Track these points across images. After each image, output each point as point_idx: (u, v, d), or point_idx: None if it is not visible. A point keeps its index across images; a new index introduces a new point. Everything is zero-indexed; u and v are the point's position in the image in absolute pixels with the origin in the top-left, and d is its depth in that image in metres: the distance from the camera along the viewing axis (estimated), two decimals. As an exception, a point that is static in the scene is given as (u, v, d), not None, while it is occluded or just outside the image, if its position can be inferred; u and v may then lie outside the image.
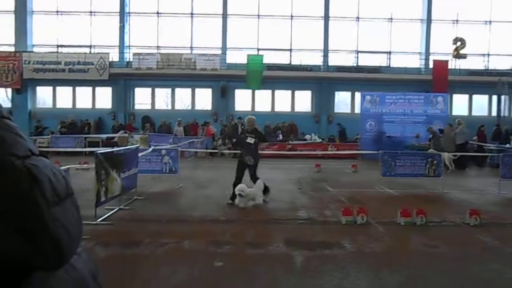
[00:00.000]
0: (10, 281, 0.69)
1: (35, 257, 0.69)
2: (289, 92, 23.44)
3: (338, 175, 13.42)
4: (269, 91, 23.15)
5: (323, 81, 22.67)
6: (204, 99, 23.59)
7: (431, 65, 22.56)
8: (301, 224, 6.86)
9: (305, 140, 20.84)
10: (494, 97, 22.78)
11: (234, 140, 9.46)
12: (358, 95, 21.35)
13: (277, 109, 23.35)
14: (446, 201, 9.27)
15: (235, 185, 8.10)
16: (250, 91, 22.81)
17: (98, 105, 23.22)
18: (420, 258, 5.21)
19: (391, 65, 23.41)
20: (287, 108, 23.42)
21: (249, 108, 23.08)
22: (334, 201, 8.79)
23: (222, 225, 6.65)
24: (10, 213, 0.66)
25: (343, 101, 24.13)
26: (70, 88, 22.98)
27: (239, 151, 8.66)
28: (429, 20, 23.29)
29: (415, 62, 23.47)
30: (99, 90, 23.20)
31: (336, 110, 23.45)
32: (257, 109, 23.19)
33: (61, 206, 0.73)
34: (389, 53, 23.59)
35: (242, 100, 23.28)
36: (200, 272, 4.60)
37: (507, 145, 16.87)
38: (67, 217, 0.74)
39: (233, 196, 8.08)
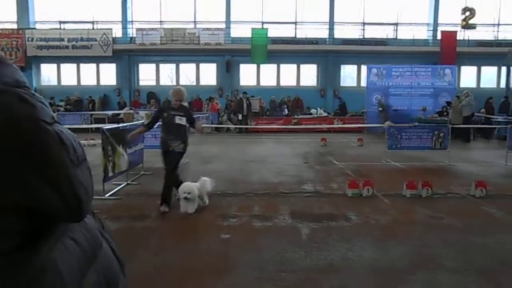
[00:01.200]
0: (37, 229, 0.81)
1: (61, 209, 0.81)
2: (294, 66, 23.21)
3: (344, 148, 13.41)
4: (274, 65, 22.94)
5: (328, 54, 22.39)
6: (209, 74, 23.43)
7: (439, 37, 22.15)
8: (308, 197, 6.92)
9: (310, 114, 20.76)
10: (504, 69, 22.39)
11: (150, 121, 6.52)
12: (364, 68, 21.08)
13: (282, 83, 23.19)
14: (452, 173, 9.27)
15: (166, 184, 5.95)
16: (255, 65, 22.63)
17: (102, 82, 23.19)
18: (426, 229, 5.25)
19: (398, 37, 23.00)
20: (293, 82, 23.25)
21: (254, 83, 22.98)
22: (340, 175, 8.82)
23: (228, 199, 6.72)
24: (44, 171, 0.77)
25: (349, 75, 23.88)
26: (74, 65, 22.91)
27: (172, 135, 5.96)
28: (437, -11, 22.72)
29: (422, 33, 23.03)
30: (103, 66, 23.12)
31: (342, 84, 23.24)
32: (262, 83, 23.08)
33: (80, 168, 0.83)
34: (396, 24, 23.14)
35: (247, 74, 23.12)
36: (208, 244, 4.68)
37: (515, 117, 16.69)
38: (85, 178, 0.85)
39: (167, 200, 5.94)
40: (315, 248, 4.54)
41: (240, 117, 19.01)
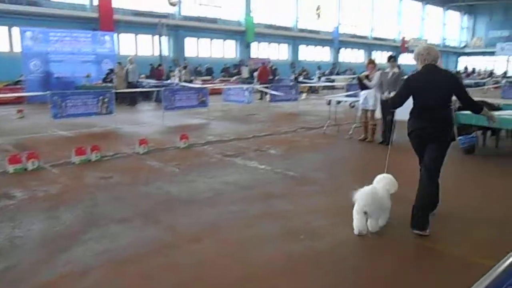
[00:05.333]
0: None
1: None
2: None
3: (2, 122, 11.86)
4: None
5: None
6: None
7: (96, 3, 22.18)
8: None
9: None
10: (157, 38, 24.92)
11: None
12: (16, 30, 18.71)
13: None
14: (119, 136, 9.86)
15: None
16: None
17: None
18: (96, 190, 5.46)
19: (53, -1, 21.53)
20: None
21: None
22: (-2, 151, 7.81)
23: None
24: None
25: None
26: None
27: None
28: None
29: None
30: None
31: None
32: None
33: None
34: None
35: None
36: None
37: (168, 81, 19.17)
38: None
39: None
40: (-29, 236, 3.95)
41: None
